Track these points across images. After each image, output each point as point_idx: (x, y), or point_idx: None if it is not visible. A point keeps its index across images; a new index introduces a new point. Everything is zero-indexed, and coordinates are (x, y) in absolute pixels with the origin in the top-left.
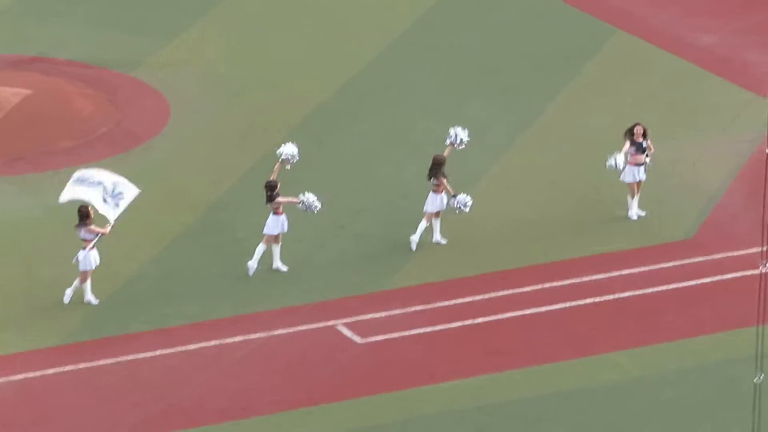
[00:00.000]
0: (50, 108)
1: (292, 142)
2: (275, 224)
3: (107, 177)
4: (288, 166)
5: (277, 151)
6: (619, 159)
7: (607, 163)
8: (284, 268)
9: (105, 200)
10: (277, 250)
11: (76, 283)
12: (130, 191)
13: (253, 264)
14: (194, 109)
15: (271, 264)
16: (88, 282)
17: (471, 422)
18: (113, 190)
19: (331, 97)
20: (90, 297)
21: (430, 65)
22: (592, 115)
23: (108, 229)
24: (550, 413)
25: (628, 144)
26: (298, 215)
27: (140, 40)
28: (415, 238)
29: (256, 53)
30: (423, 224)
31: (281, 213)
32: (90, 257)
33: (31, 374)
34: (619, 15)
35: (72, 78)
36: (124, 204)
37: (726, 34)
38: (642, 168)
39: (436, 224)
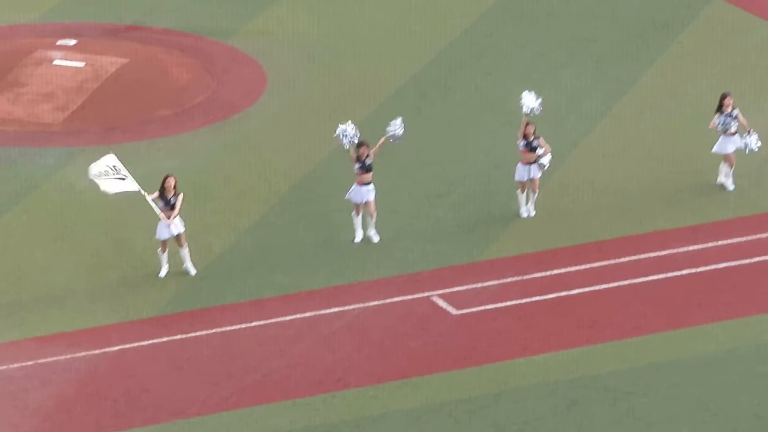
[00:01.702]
0: (147, 77)
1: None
2: (355, 192)
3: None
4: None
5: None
6: (752, 141)
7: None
8: (375, 239)
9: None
10: (370, 220)
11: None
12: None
13: (357, 233)
14: (289, 78)
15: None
16: (183, 251)
17: (563, 395)
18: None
19: (424, 68)
20: (188, 265)
21: (524, 34)
22: (688, 83)
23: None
24: (642, 386)
25: (717, 116)
26: (393, 186)
27: (233, 9)
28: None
29: (348, 24)
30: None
31: (362, 183)
32: (161, 226)
33: (126, 345)
34: None
35: (168, 46)
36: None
37: None
38: (736, 137)
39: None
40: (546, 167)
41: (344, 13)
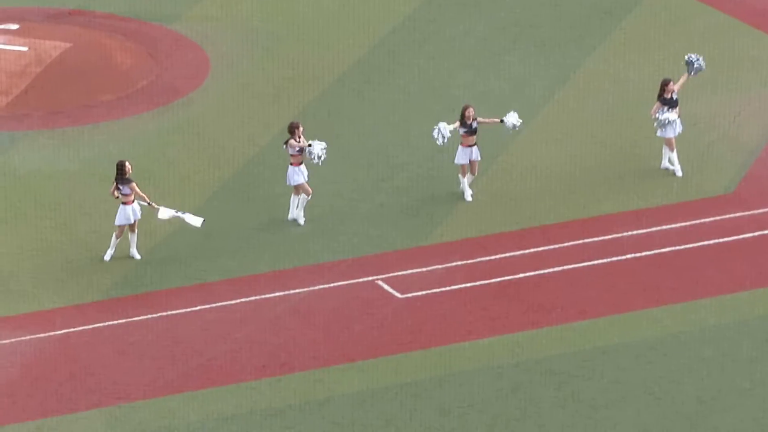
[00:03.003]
0: (90, 61)
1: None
2: (291, 174)
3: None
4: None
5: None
6: (671, 116)
7: (658, 124)
8: (301, 221)
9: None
10: (304, 200)
11: (113, 239)
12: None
13: (294, 215)
14: (232, 63)
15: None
16: (133, 236)
17: (508, 378)
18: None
19: (368, 52)
20: (134, 251)
21: (468, 20)
22: (631, 69)
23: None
24: (587, 369)
25: (658, 104)
26: (337, 171)
27: None
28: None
29: (292, 8)
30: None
31: (294, 164)
32: (126, 212)
33: (70, 330)
34: None
35: (111, 31)
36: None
37: None
38: (679, 121)
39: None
40: (516, 127)
41: None
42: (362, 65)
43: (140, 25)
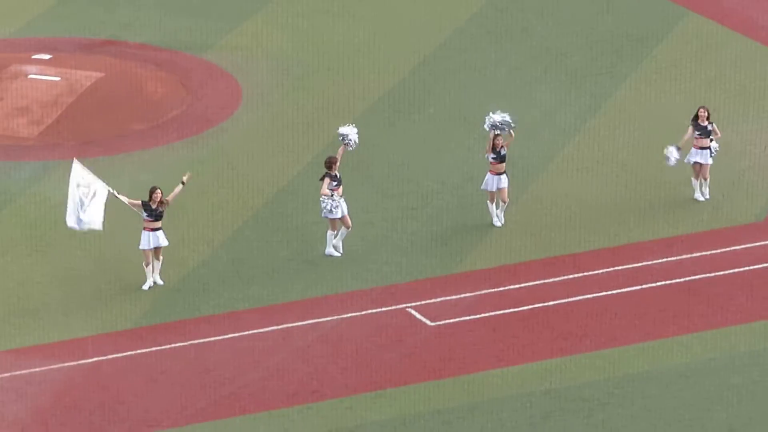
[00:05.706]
0: (122, 91)
1: (352, 126)
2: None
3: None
4: (349, 148)
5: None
6: (673, 153)
7: (667, 158)
8: (336, 254)
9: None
10: (345, 232)
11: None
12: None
13: (330, 250)
14: (263, 93)
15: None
16: (157, 263)
17: (538, 406)
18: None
19: (398, 82)
20: (156, 277)
21: (498, 50)
22: (662, 97)
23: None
24: (617, 397)
25: (690, 130)
26: (368, 200)
27: (208, 24)
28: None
29: (322, 39)
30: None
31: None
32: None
33: (101, 358)
34: None
35: (143, 61)
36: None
37: None
38: (707, 151)
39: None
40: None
41: (318, 28)
42: (393, 95)
43: (172, 54)
